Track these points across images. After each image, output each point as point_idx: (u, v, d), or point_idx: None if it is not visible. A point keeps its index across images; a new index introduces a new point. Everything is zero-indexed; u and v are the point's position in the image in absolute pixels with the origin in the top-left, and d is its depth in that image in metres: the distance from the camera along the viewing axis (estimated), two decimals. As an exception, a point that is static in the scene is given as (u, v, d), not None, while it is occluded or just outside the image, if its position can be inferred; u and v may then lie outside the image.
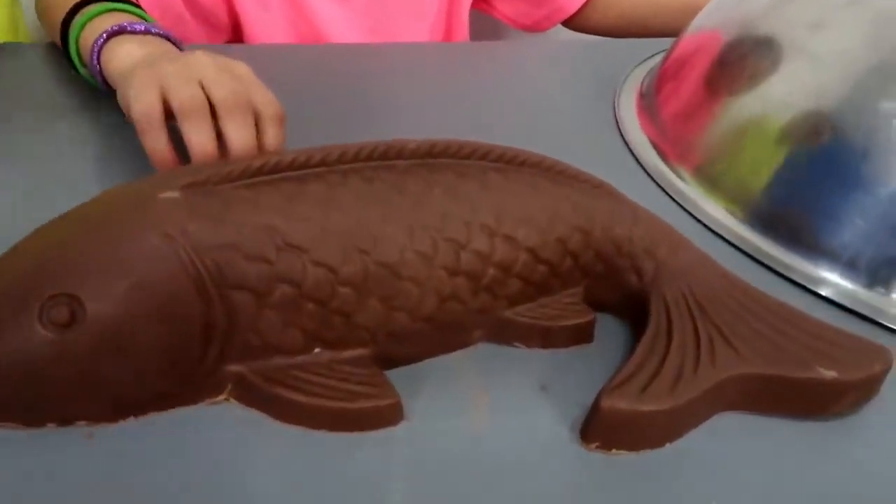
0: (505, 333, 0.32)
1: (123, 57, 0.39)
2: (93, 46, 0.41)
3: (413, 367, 0.31)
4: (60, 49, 0.47)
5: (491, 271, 0.30)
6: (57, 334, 0.26)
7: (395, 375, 0.30)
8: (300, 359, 0.29)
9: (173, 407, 0.29)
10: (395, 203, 0.29)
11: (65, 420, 0.28)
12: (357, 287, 0.28)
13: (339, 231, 0.28)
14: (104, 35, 0.40)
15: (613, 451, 0.28)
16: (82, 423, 0.28)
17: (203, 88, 0.34)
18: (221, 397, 0.29)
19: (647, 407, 0.27)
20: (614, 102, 0.52)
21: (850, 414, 0.30)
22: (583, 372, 0.31)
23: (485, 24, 0.81)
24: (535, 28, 0.75)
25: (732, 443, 0.29)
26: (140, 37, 0.41)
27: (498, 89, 0.54)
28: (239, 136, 0.33)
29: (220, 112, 0.34)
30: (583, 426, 0.28)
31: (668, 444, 0.28)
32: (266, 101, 0.35)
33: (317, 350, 0.29)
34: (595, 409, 0.28)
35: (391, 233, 0.29)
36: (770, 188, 0.39)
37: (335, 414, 0.28)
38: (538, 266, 0.31)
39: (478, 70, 0.57)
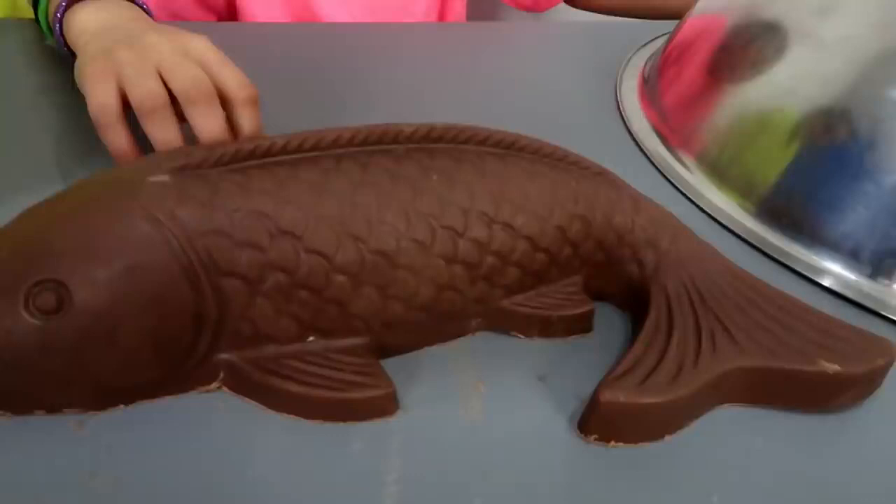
0: (502, 323, 0.31)
1: (79, 24, 0.37)
2: (55, 13, 0.39)
3: (409, 355, 0.31)
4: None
5: (489, 260, 0.30)
6: (43, 321, 0.25)
7: (390, 364, 0.29)
8: (293, 347, 0.28)
9: (164, 395, 0.28)
10: (390, 189, 0.29)
11: (53, 408, 0.27)
12: (352, 275, 0.28)
13: (334, 218, 0.28)
14: (63, 3, 0.38)
15: (612, 443, 0.28)
16: (71, 411, 0.27)
17: (163, 77, 0.32)
18: (213, 386, 0.28)
19: (647, 399, 0.27)
20: (616, 86, 0.51)
21: (851, 407, 0.30)
22: (581, 363, 0.31)
23: (482, 4, 0.80)
24: (535, 8, 0.73)
25: (732, 435, 0.29)
26: (98, 2, 0.38)
27: (496, 72, 0.52)
28: (206, 126, 0.32)
29: (183, 103, 0.32)
30: (581, 418, 0.28)
31: (667, 437, 0.28)
32: (235, 82, 0.33)
33: (310, 338, 0.28)
34: (594, 401, 0.27)
35: (387, 220, 0.28)
36: (773, 178, 0.39)
37: (329, 404, 0.28)
38: (537, 254, 0.31)
39: (475, 51, 0.56)
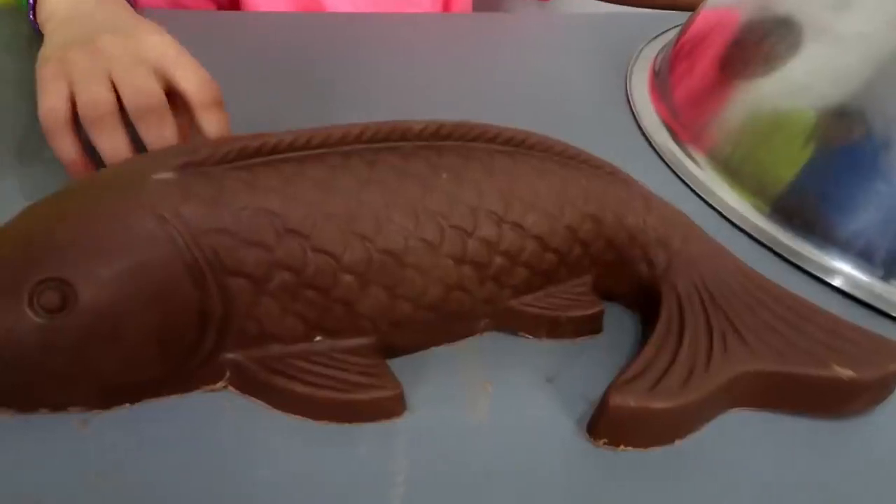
0: (511, 323, 0.31)
1: (49, 6, 0.36)
2: None
3: (416, 355, 0.30)
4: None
5: (498, 260, 0.29)
6: (47, 320, 0.25)
7: (397, 363, 0.29)
8: (299, 347, 0.28)
9: (169, 394, 0.28)
10: (398, 187, 0.28)
11: (57, 406, 0.27)
12: (359, 275, 0.27)
13: (341, 216, 0.27)
14: None
15: (621, 447, 0.27)
16: (75, 409, 0.27)
17: (114, 83, 0.31)
18: (219, 385, 0.28)
19: (657, 404, 0.26)
20: (626, 79, 0.50)
21: (864, 412, 0.29)
22: (590, 364, 0.30)
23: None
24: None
25: (743, 440, 0.28)
26: None
27: (502, 63, 0.52)
28: (152, 139, 0.31)
29: (131, 115, 0.31)
30: (590, 422, 0.28)
31: (677, 441, 0.28)
32: (195, 84, 0.32)
33: (317, 338, 0.28)
34: (603, 405, 0.27)
35: (395, 219, 0.28)
36: (787, 177, 0.38)
37: (335, 405, 0.27)
38: (546, 254, 0.30)
39: (481, 43, 0.55)
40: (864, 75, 0.37)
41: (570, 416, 0.28)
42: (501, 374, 0.30)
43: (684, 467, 0.27)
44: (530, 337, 0.31)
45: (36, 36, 0.39)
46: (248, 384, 0.28)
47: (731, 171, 0.40)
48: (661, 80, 0.49)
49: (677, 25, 0.53)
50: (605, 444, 0.27)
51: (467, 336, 0.31)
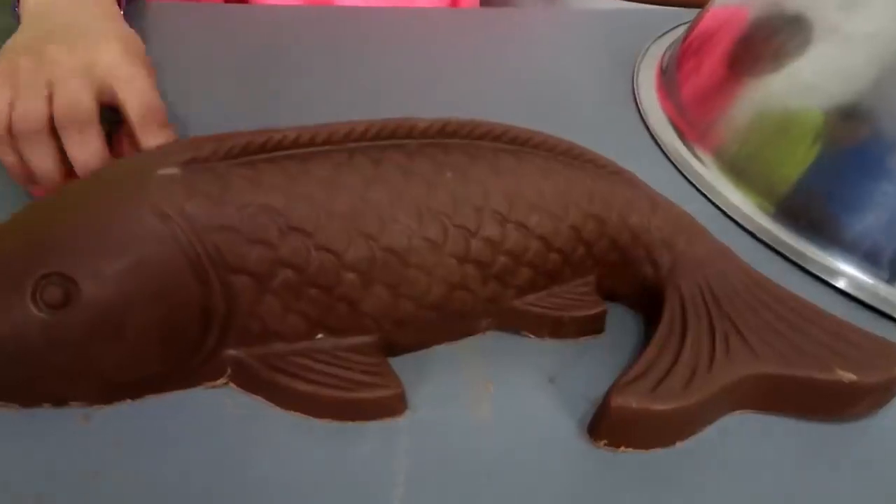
0: (513, 323, 0.31)
1: (29, 0, 0.35)
2: None
3: (418, 354, 0.30)
4: None
5: (501, 259, 0.29)
6: (50, 315, 0.25)
7: (398, 362, 0.29)
8: (302, 345, 0.28)
9: (170, 390, 0.28)
10: (403, 186, 0.28)
11: (60, 401, 0.27)
12: (363, 273, 0.27)
13: (345, 214, 0.27)
14: None
15: (622, 448, 0.27)
16: (78, 404, 0.27)
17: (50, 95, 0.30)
18: (220, 382, 0.28)
19: (659, 406, 0.26)
20: (633, 76, 0.50)
21: (866, 416, 0.29)
22: (592, 365, 0.30)
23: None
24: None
25: (744, 443, 0.28)
26: None
27: (509, 59, 0.52)
28: (73, 152, 0.30)
29: (57, 126, 0.30)
30: (591, 423, 0.28)
31: (678, 443, 0.28)
32: (136, 103, 0.31)
33: (319, 336, 0.28)
34: (604, 406, 0.27)
35: (399, 217, 0.28)
36: (794, 177, 0.38)
37: (337, 403, 0.27)
38: (550, 254, 0.30)
39: (488, 38, 0.55)
40: (872, 75, 0.36)
41: (572, 417, 0.28)
42: (503, 374, 0.30)
43: (685, 469, 0.27)
44: (533, 337, 0.31)
45: None
46: (250, 381, 0.28)
47: (737, 170, 0.40)
48: (669, 78, 0.48)
49: (686, 22, 0.53)
50: (605, 444, 0.27)
51: (470, 335, 0.31)
